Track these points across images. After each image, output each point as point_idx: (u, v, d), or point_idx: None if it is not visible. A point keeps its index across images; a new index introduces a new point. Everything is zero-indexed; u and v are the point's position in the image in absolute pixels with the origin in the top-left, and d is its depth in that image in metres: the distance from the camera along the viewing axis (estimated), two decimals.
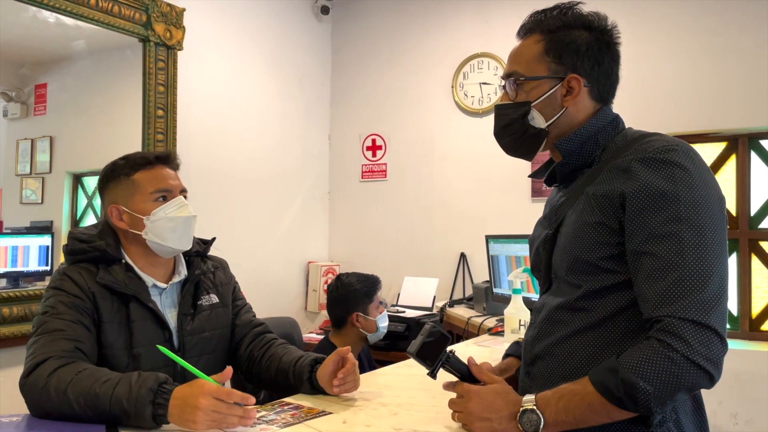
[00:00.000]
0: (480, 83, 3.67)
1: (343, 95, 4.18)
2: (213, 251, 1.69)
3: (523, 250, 2.74)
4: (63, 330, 1.32)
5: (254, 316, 1.71)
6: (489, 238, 3.04)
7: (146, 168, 1.50)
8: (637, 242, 1.04)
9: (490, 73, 3.64)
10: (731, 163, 3.07)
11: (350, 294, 2.42)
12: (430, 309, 3.45)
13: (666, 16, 3.12)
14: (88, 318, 1.37)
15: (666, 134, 1.14)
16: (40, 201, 2.68)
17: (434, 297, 3.53)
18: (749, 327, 2.99)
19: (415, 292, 3.60)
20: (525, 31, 1.24)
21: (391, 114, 3.99)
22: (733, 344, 2.56)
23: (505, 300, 2.40)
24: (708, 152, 3.09)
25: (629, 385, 0.97)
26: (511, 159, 1.32)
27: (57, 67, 2.75)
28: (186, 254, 1.60)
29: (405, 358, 1.46)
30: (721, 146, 3.09)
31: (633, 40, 2.72)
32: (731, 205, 3.02)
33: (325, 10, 4.06)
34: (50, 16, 2.55)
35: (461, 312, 3.15)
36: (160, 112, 2.91)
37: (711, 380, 0.98)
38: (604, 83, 1.20)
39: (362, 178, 4.09)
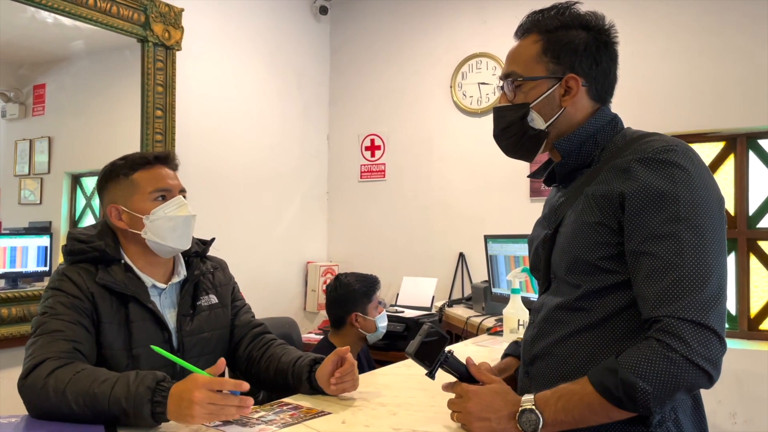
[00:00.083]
0: (478, 83, 3.68)
1: (341, 95, 4.18)
2: (212, 251, 1.69)
3: (522, 249, 2.74)
4: (62, 331, 1.32)
5: (253, 316, 1.71)
6: (488, 238, 3.05)
7: (145, 168, 1.50)
8: (637, 242, 1.04)
9: (488, 73, 3.64)
10: (729, 162, 3.07)
11: (349, 294, 2.42)
12: (429, 309, 3.45)
13: (664, 16, 3.12)
14: (87, 318, 1.37)
15: (665, 134, 1.14)
16: (38, 201, 2.68)
17: (433, 297, 3.53)
18: (748, 326, 2.99)
19: (414, 292, 3.60)
20: (523, 32, 1.24)
21: (389, 114, 3.99)
22: (731, 344, 2.56)
23: (504, 300, 2.40)
24: (706, 152, 3.09)
25: (628, 385, 0.98)
26: (510, 159, 1.32)
27: (55, 68, 2.75)
28: (185, 255, 1.60)
29: (404, 358, 1.46)
30: (719, 146, 3.09)
31: (631, 39, 2.71)
32: (729, 205, 3.02)
33: (323, 10, 4.06)
34: (48, 17, 2.54)
35: (460, 312, 3.15)
36: (159, 113, 2.91)
37: (710, 380, 0.98)
38: (603, 83, 1.20)
39: (361, 178, 4.08)
